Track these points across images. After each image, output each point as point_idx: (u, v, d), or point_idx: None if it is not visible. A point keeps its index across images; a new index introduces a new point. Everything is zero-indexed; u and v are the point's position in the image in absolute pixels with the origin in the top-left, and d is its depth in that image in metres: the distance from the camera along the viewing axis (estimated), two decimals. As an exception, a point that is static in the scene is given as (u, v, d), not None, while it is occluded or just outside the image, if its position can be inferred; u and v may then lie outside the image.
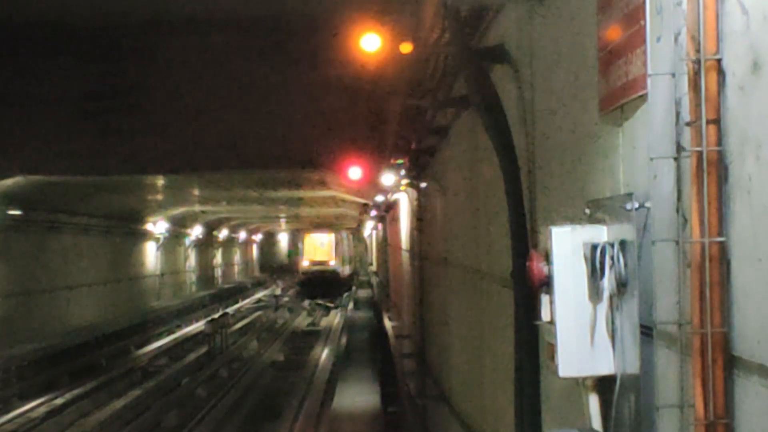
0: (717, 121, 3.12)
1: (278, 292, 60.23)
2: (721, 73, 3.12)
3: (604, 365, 3.99)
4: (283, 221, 67.22)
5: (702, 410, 3.13)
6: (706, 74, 3.13)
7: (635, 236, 3.70)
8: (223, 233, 63.94)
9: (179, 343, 36.71)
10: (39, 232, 28.96)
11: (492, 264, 8.02)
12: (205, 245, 58.80)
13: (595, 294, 3.98)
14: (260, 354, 33.56)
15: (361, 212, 46.20)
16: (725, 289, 3.10)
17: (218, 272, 66.16)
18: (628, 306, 3.77)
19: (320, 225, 67.12)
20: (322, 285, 60.16)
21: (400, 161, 17.19)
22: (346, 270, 67.26)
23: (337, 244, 65.31)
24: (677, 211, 3.41)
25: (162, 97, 17.97)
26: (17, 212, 26.44)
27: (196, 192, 36.15)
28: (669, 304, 3.47)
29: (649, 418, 3.60)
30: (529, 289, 4.54)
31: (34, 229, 28.43)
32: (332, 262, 63.81)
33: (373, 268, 67.03)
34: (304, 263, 64.62)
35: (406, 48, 10.18)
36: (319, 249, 64.88)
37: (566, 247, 4.08)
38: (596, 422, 4.15)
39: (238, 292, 63.73)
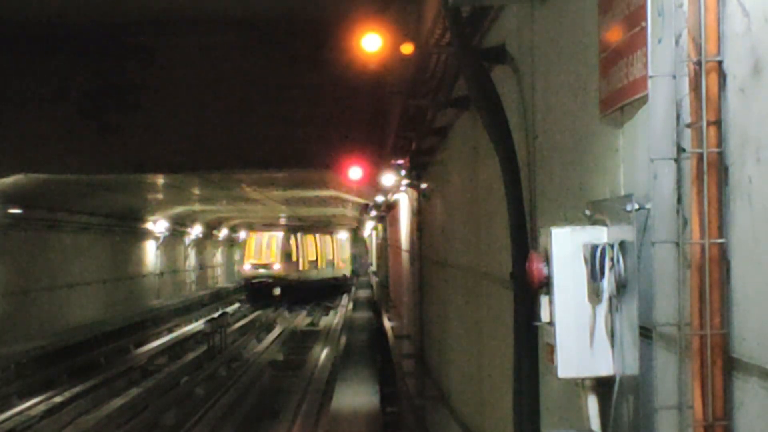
0: (717, 123, 3.12)
1: (277, 292, 56.62)
2: (721, 74, 3.12)
3: (603, 366, 3.99)
4: (283, 221, 64.21)
5: (701, 412, 3.13)
6: (707, 76, 3.13)
7: (635, 237, 3.70)
8: (223, 233, 63.55)
9: (178, 342, 36.70)
10: (39, 230, 28.96)
11: (491, 265, 8.02)
12: (205, 244, 58.70)
13: (594, 295, 3.98)
14: (259, 353, 33.56)
15: (361, 212, 46.18)
16: (725, 290, 3.10)
17: (218, 271, 65.75)
18: (628, 307, 3.77)
19: (271, 223, 57.94)
20: (268, 293, 52.79)
21: (400, 161, 17.19)
22: (317, 274, 58.48)
23: (287, 243, 55.77)
24: (677, 212, 3.41)
25: (162, 96, 17.97)
26: (17, 210, 26.44)
27: (196, 191, 36.15)
28: (668, 306, 3.47)
29: (648, 420, 3.60)
30: (529, 290, 4.54)
31: (33, 228, 28.44)
32: (277, 266, 54.77)
33: (373, 268, 65.75)
34: (246, 267, 56.26)
35: (407, 49, 10.19)
36: (264, 250, 56.09)
37: (566, 248, 4.08)
38: (595, 423, 4.15)
39: (238, 291, 63.53)
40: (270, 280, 53.88)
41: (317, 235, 61.64)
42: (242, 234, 63.52)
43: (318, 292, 55.51)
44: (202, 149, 18.94)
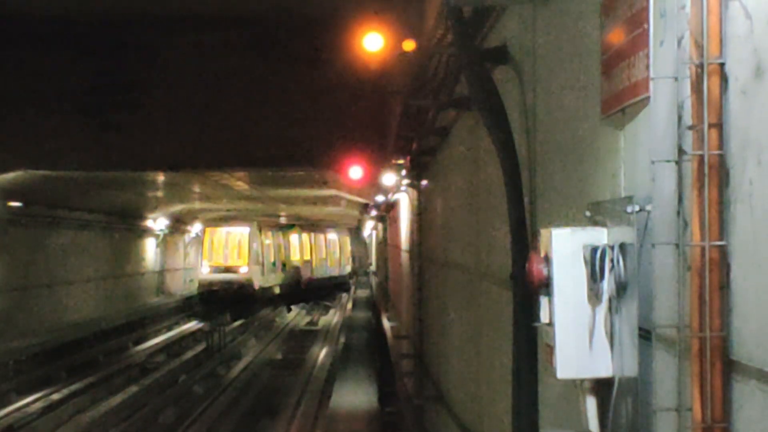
0: (719, 125, 3.12)
1: (278, 290, 56.85)
2: (723, 77, 3.12)
3: (603, 367, 4.00)
4: (283, 219, 62.83)
5: (699, 414, 3.13)
6: (709, 78, 3.13)
7: (635, 239, 3.70)
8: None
9: (177, 341, 36.70)
10: (38, 226, 28.97)
11: (491, 265, 8.02)
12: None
13: (594, 296, 3.98)
14: (258, 352, 33.56)
15: (361, 212, 46.11)
16: (725, 293, 3.10)
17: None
18: (627, 309, 3.77)
19: (236, 217, 47.87)
20: (231, 302, 42.01)
21: (400, 161, 17.20)
22: (293, 277, 50.49)
23: (254, 242, 45.64)
24: (678, 214, 3.41)
25: (163, 94, 17.99)
26: (17, 207, 26.45)
27: (197, 189, 36.14)
28: (668, 308, 3.47)
29: (647, 421, 3.61)
30: (529, 291, 4.54)
31: (33, 224, 28.45)
32: (244, 269, 44.54)
33: (373, 268, 65.07)
34: (203, 270, 45.11)
35: (409, 45, 10.19)
36: (226, 250, 45.84)
37: (566, 249, 4.08)
38: (593, 424, 4.16)
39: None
40: (235, 287, 43.49)
41: (303, 234, 54.50)
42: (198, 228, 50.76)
43: (303, 297, 49.79)
44: (203, 148, 18.95)
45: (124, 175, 27.88)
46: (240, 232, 46.12)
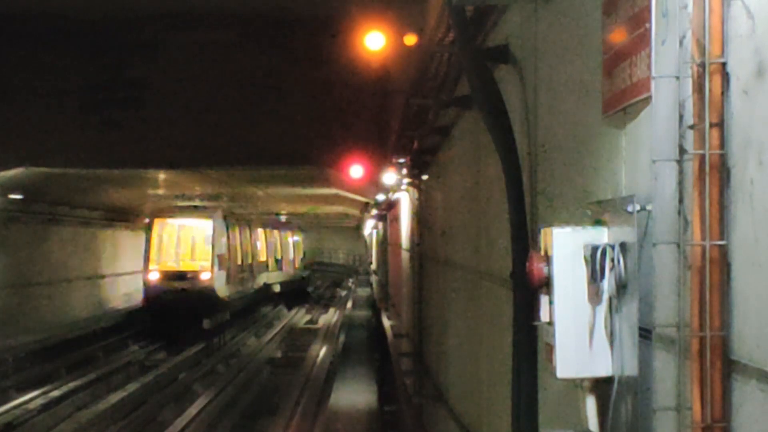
0: (720, 125, 3.12)
1: (277, 289, 53.55)
2: (725, 76, 3.12)
3: (602, 367, 4.00)
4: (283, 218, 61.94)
5: (699, 413, 3.13)
6: (711, 78, 3.13)
7: (636, 238, 3.70)
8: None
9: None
10: (39, 223, 28.97)
11: (492, 264, 8.02)
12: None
13: (594, 295, 3.98)
14: (258, 350, 33.55)
15: (362, 211, 46.11)
16: (725, 292, 3.10)
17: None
18: (628, 308, 3.77)
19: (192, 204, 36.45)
20: (185, 316, 31.36)
21: (401, 160, 17.20)
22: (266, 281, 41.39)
23: (219, 237, 34.06)
24: (679, 213, 3.41)
25: (164, 92, 18.00)
26: (18, 204, 26.46)
27: (197, 187, 36.09)
28: (668, 307, 3.47)
29: (647, 421, 3.61)
30: (529, 290, 4.54)
31: (34, 221, 28.45)
32: (206, 275, 33.28)
33: (373, 267, 64.77)
34: (152, 275, 33.23)
35: (411, 40, 10.21)
36: (183, 248, 35.47)
37: (567, 248, 4.08)
38: (593, 424, 4.16)
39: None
40: (186, 297, 32.48)
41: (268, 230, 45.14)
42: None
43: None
44: (204, 146, 18.97)
45: (124, 173, 27.88)
46: (200, 227, 35.28)
